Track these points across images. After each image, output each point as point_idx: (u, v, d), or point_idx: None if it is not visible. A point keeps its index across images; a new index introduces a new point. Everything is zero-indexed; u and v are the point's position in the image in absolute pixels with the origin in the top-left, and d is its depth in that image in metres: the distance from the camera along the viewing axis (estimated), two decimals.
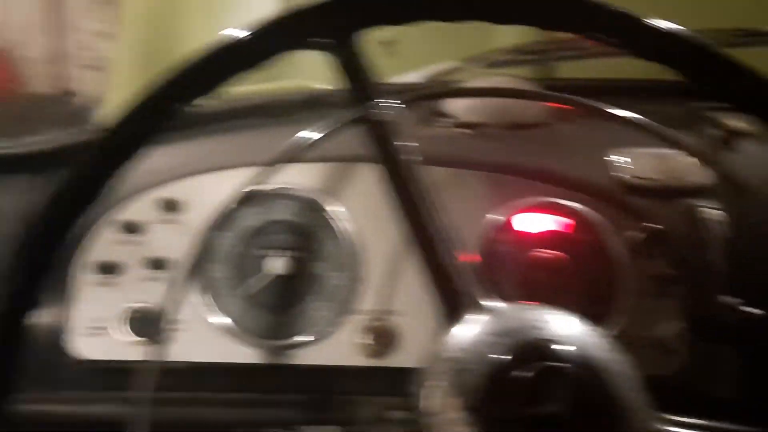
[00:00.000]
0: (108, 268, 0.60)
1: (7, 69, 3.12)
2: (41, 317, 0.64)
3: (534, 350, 0.36)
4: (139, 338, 0.60)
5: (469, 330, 0.37)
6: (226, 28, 1.04)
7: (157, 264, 0.61)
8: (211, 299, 0.61)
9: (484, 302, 0.39)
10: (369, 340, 0.61)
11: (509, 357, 0.35)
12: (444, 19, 0.42)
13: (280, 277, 0.61)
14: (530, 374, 0.34)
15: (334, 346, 0.61)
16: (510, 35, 0.98)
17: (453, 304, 0.39)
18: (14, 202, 0.67)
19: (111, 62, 1.05)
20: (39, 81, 3.32)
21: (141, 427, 0.36)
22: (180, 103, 0.40)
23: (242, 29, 0.40)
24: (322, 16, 0.41)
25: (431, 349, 0.38)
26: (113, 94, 1.03)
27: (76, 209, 0.39)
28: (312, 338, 0.61)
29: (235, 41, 0.40)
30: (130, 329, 0.60)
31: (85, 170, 0.39)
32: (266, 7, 0.96)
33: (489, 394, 0.35)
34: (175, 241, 0.61)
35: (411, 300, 0.61)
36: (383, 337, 0.61)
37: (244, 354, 0.61)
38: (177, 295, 0.57)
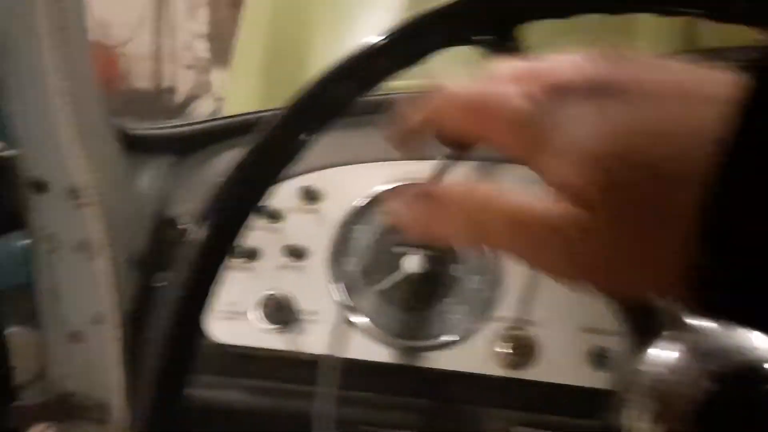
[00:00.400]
0: (247, 253, 0.60)
1: (112, 65, 3.28)
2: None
3: (750, 373, 0.32)
4: (272, 325, 0.59)
5: (672, 349, 0.34)
6: (351, 27, 1.04)
7: (295, 252, 0.60)
8: (345, 293, 0.60)
9: (686, 319, 0.35)
10: (505, 349, 0.58)
11: (724, 380, 0.32)
12: (610, 11, 0.39)
13: (415, 276, 0.59)
14: (748, 398, 0.31)
15: (466, 352, 0.59)
16: (646, 38, 0.93)
17: (649, 320, 0.36)
18: (153, 182, 0.69)
19: (234, 59, 1.07)
20: (141, 77, 3.48)
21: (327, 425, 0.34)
22: (337, 101, 0.40)
23: (400, 24, 0.39)
24: (482, 9, 0.39)
25: (628, 368, 0.35)
26: (235, 90, 1.05)
27: (249, 202, 0.39)
28: (444, 342, 0.59)
29: (394, 36, 0.38)
30: (264, 316, 0.59)
31: (252, 167, 0.39)
32: (393, 5, 0.96)
33: (703, 419, 0.31)
34: (313, 230, 0.61)
35: (553, 311, 0.58)
36: (520, 348, 0.58)
37: (373, 351, 0.59)
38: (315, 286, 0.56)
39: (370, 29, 1.08)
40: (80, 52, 0.53)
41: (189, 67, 3.45)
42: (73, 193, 0.56)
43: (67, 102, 0.53)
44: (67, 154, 0.55)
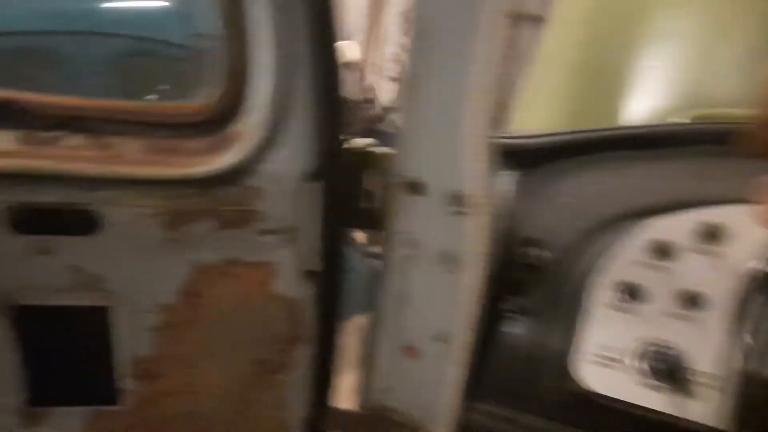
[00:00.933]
0: (629, 292, 0.52)
1: None
2: (545, 331, 0.59)
3: None
4: (655, 381, 0.50)
5: None
6: (678, 48, 0.92)
7: (688, 299, 0.51)
8: (754, 359, 0.49)
9: None
10: None
11: None
12: None
13: None
14: None
15: None
16: None
17: None
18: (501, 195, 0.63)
19: (531, 76, 1.01)
20: (346, 86, 3.59)
21: None
22: None
23: None
24: None
25: None
26: (533, 106, 0.99)
27: None
28: None
29: None
30: (645, 369, 0.51)
31: None
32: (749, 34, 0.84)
33: None
34: (712, 275, 0.51)
35: None
36: None
37: None
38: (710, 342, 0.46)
39: (698, 51, 0.97)
40: (499, 42, 0.48)
41: (393, 79, 3.53)
42: (455, 200, 0.52)
43: (479, 101, 0.48)
44: (460, 158, 0.51)
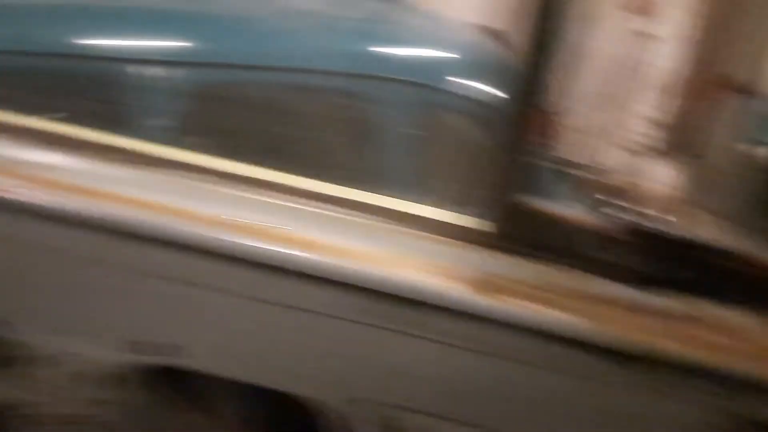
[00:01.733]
0: None
1: (550, 129, 3.27)
2: None
3: None
4: None
5: None
6: None
7: None
8: None
9: None
10: None
11: None
12: None
13: None
14: None
15: None
16: None
17: None
18: None
19: None
20: (568, 147, 3.41)
21: None
22: None
23: None
24: None
25: None
26: None
27: None
28: None
29: None
30: None
31: None
32: None
33: None
34: None
35: None
36: None
37: None
38: None
39: None
40: None
41: (626, 149, 3.31)
42: None
43: None
44: None
